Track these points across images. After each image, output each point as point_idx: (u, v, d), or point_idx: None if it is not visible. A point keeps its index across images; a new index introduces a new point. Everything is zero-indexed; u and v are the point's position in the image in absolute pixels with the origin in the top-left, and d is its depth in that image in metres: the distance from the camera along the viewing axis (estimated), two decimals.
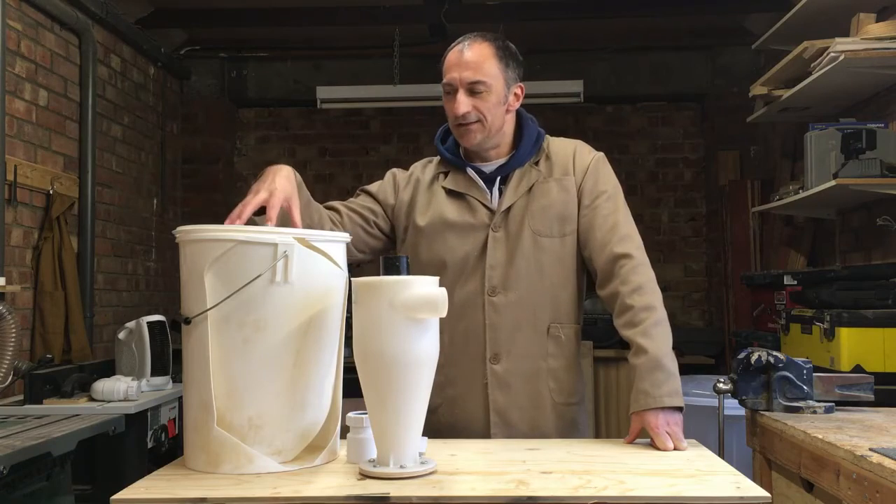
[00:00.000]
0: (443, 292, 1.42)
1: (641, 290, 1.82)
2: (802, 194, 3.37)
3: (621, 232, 1.89)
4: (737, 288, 4.68)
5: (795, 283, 3.45)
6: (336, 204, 2.01)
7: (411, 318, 1.41)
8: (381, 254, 2.03)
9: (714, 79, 5.39)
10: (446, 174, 2.00)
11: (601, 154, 2.02)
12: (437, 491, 1.36)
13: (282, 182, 1.71)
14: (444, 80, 1.92)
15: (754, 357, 2.03)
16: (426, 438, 1.57)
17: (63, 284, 3.66)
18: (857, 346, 2.38)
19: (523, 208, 1.93)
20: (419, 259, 1.96)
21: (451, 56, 1.92)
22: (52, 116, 3.78)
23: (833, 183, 3.01)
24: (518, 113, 2.03)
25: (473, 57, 1.89)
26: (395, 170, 2.09)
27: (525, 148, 1.98)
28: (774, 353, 2.04)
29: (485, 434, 1.89)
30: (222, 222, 1.57)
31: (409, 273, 1.49)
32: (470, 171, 1.96)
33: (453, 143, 2.02)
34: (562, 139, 2.05)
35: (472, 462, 1.56)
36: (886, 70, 3.04)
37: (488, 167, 1.98)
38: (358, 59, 5.48)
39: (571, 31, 5.08)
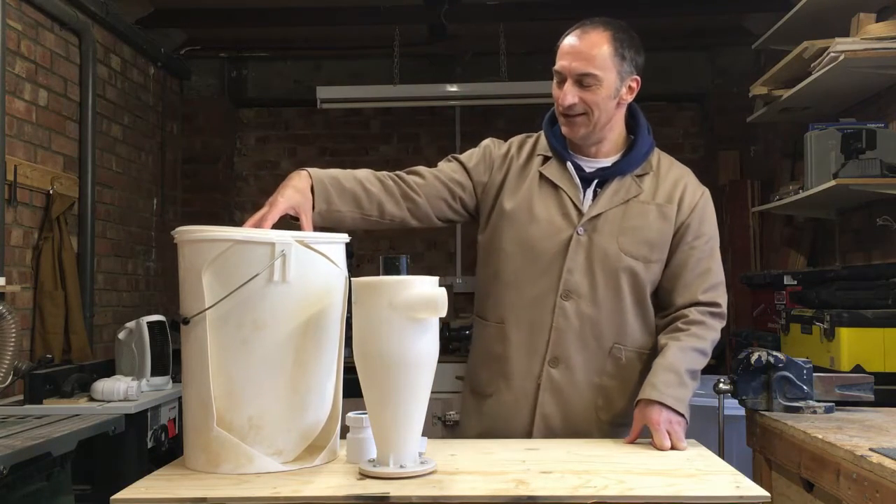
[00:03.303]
0: (442, 292, 1.42)
1: (704, 325, 1.85)
2: (802, 194, 3.37)
3: (712, 280, 1.89)
4: (737, 288, 4.67)
5: (795, 283, 3.45)
6: (422, 170, 1.94)
7: (411, 318, 1.41)
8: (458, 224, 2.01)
9: (714, 79, 5.39)
10: (546, 158, 1.93)
11: (707, 191, 1.97)
12: (437, 491, 1.36)
13: (287, 193, 1.71)
14: (555, 67, 1.86)
15: (754, 357, 2.04)
16: (426, 438, 1.57)
17: (63, 284, 3.66)
18: (857, 346, 2.38)
19: (616, 221, 1.87)
20: (500, 245, 1.91)
21: (565, 42, 1.86)
22: (52, 116, 3.78)
23: (833, 183, 3.01)
24: (635, 115, 1.97)
25: (586, 47, 1.83)
26: (489, 142, 2.00)
27: (635, 157, 1.91)
28: (774, 353, 2.05)
29: (526, 435, 1.87)
30: (222, 222, 1.58)
31: (408, 273, 1.49)
32: (570, 166, 1.90)
33: (557, 130, 1.94)
34: (672, 160, 1.99)
35: (471, 462, 1.56)
36: (886, 70, 3.03)
37: (590, 165, 1.92)
38: (358, 59, 5.48)
39: None
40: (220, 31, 5.28)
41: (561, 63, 1.85)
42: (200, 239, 1.51)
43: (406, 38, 5.00)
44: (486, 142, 2.01)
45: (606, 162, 1.92)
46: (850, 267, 3.30)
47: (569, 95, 1.83)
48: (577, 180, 1.90)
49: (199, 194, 5.49)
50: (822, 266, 3.84)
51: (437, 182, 1.93)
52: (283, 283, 1.49)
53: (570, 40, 1.86)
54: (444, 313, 1.41)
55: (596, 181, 1.90)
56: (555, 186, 1.90)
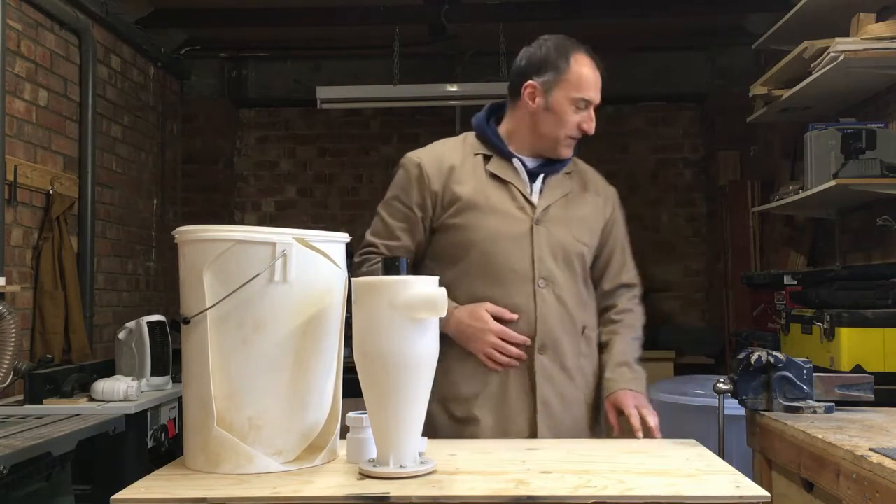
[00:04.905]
0: (442, 292, 1.42)
1: (633, 313, 2.10)
2: (802, 194, 3.37)
3: (630, 263, 2.13)
4: (737, 288, 4.68)
5: (795, 283, 3.45)
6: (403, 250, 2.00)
7: (411, 318, 1.41)
8: None
9: (714, 79, 5.39)
10: (488, 158, 2.01)
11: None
12: (437, 491, 1.36)
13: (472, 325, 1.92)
14: (582, 96, 1.97)
15: (754, 357, 2.03)
16: (426, 438, 1.57)
17: (63, 284, 3.66)
18: (857, 346, 2.38)
19: (562, 212, 2.00)
20: (468, 239, 1.95)
21: (592, 74, 2.00)
22: (52, 116, 3.78)
23: (833, 183, 3.01)
24: None
25: (599, 79, 2.02)
26: (420, 164, 2.00)
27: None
28: (774, 353, 2.04)
29: (531, 424, 1.92)
30: (222, 222, 1.59)
31: (408, 273, 1.49)
32: (516, 162, 2.00)
33: (494, 128, 2.05)
34: (578, 160, 2.13)
35: (471, 462, 1.56)
36: (886, 70, 3.03)
37: (530, 162, 2.02)
38: (358, 59, 5.48)
39: (571, 32, 5.06)
40: (220, 31, 5.28)
41: (591, 94, 1.99)
42: (201, 239, 1.51)
43: (406, 38, 5.00)
44: (415, 165, 2.01)
45: (542, 160, 2.03)
46: (850, 267, 3.30)
47: (594, 122, 2.01)
48: (524, 175, 2.00)
49: (199, 194, 5.50)
50: (822, 266, 3.84)
51: (415, 245, 2.02)
52: (283, 283, 1.49)
53: (594, 74, 2.01)
54: (444, 313, 1.42)
55: (542, 175, 2.01)
56: (503, 182, 1.99)
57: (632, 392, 1.94)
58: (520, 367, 1.93)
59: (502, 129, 2.05)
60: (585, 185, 2.08)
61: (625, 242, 2.13)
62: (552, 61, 1.97)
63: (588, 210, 2.05)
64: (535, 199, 1.99)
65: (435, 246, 2.01)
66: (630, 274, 2.12)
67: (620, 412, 1.94)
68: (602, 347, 2.05)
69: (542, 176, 2.00)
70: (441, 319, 1.72)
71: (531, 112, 1.99)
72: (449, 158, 2.01)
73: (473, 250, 1.94)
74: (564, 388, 1.96)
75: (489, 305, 1.91)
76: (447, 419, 1.95)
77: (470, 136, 2.07)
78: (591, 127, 1.99)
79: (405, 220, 2.00)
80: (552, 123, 1.97)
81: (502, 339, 1.90)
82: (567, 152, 2.01)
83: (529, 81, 1.98)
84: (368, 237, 2.03)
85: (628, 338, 2.05)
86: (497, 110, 2.10)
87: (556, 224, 1.98)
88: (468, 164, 2.00)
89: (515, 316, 1.91)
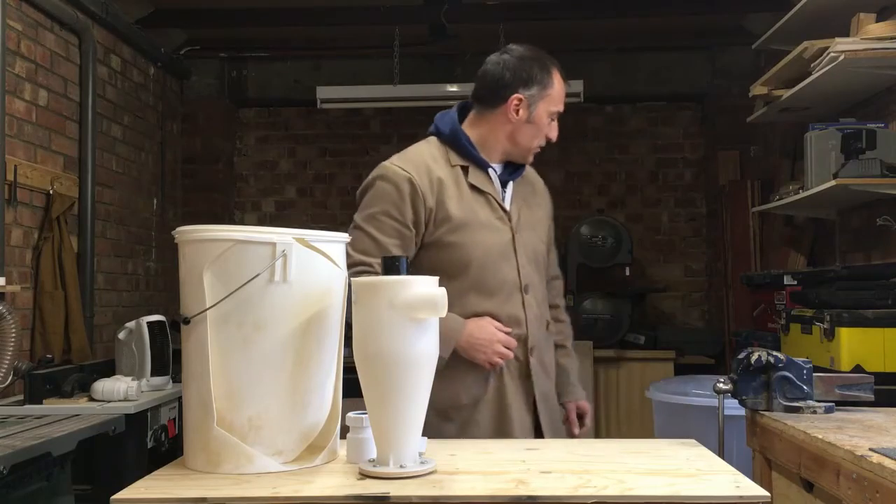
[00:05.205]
0: (442, 292, 1.42)
1: (567, 312, 2.29)
2: (802, 194, 3.37)
3: (555, 256, 2.26)
4: (737, 288, 4.68)
5: (795, 283, 3.45)
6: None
7: (411, 318, 1.41)
8: None
9: (714, 79, 5.39)
10: (465, 168, 2.04)
11: None
12: (437, 490, 1.36)
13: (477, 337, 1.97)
14: (559, 109, 2.05)
15: (754, 357, 2.04)
16: (426, 438, 1.57)
17: (63, 284, 3.66)
18: (857, 346, 2.38)
19: (528, 216, 2.09)
20: (467, 255, 1.98)
21: (564, 87, 2.07)
22: (52, 116, 3.78)
23: (833, 183, 3.01)
24: None
25: None
26: (410, 178, 1.98)
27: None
28: (774, 353, 2.05)
29: (529, 423, 2.02)
30: (222, 223, 1.59)
31: (408, 273, 1.49)
32: (491, 172, 2.06)
33: (467, 137, 2.06)
34: None
35: (471, 462, 1.56)
36: (886, 70, 3.03)
37: (499, 169, 2.09)
38: (358, 59, 5.48)
39: (571, 31, 5.08)
40: (220, 31, 5.28)
41: (562, 106, 2.06)
42: (201, 239, 1.51)
43: (406, 38, 5.00)
44: (404, 180, 1.99)
45: (502, 165, 2.10)
46: (850, 267, 3.30)
47: (557, 130, 2.08)
48: (498, 185, 2.06)
49: (199, 194, 5.50)
50: (822, 266, 3.84)
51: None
52: (283, 282, 1.49)
53: (564, 85, 2.07)
54: (444, 313, 1.41)
55: (511, 183, 2.09)
56: (482, 192, 2.03)
57: (587, 403, 2.23)
58: (515, 370, 2.01)
59: (472, 134, 2.05)
60: (533, 185, 2.18)
61: (552, 235, 2.25)
62: (538, 76, 2.01)
63: (541, 211, 2.17)
64: (506, 206, 2.06)
65: (425, 261, 2.00)
66: (557, 267, 2.28)
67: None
68: (556, 347, 2.19)
69: (510, 183, 2.08)
70: (453, 336, 1.82)
71: (512, 123, 2.01)
72: (435, 171, 2.01)
73: (471, 267, 1.98)
74: (545, 384, 2.07)
75: (490, 319, 1.98)
76: (448, 426, 1.97)
77: (438, 143, 2.06)
78: (555, 135, 2.07)
79: (399, 237, 1.96)
80: (530, 135, 2.03)
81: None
82: (532, 159, 2.10)
83: (517, 94, 2.00)
84: (357, 256, 1.92)
85: (572, 342, 2.28)
86: (461, 112, 2.11)
87: (527, 229, 2.08)
88: (451, 177, 2.01)
89: (510, 329, 1.99)
